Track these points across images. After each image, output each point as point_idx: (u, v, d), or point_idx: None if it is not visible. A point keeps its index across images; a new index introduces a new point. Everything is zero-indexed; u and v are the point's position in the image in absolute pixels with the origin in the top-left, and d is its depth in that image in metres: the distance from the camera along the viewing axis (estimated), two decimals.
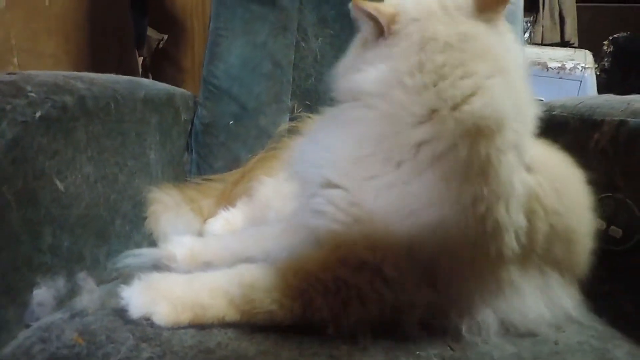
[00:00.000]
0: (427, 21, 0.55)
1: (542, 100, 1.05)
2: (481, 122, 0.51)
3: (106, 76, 0.80)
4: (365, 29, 0.59)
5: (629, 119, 0.68)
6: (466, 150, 0.50)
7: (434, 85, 0.53)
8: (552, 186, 0.57)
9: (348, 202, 0.55)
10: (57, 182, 0.60)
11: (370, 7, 0.55)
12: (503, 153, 0.52)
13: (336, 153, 0.58)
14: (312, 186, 0.60)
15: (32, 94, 0.59)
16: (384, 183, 0.53)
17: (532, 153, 0.57)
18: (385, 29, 0.56)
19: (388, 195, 0.53)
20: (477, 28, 0.55)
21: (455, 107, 0.52)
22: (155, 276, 0.53)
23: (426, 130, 0.52)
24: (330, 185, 0.57)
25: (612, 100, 0.78)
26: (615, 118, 0.70)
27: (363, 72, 0.57)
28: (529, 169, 0.56)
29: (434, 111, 0.53)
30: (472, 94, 0.52)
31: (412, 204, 0.52)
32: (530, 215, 0.54)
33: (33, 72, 0.67)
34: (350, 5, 0.57)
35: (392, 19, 0.55)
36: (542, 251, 0.56)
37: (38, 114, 0.58)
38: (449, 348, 0.51)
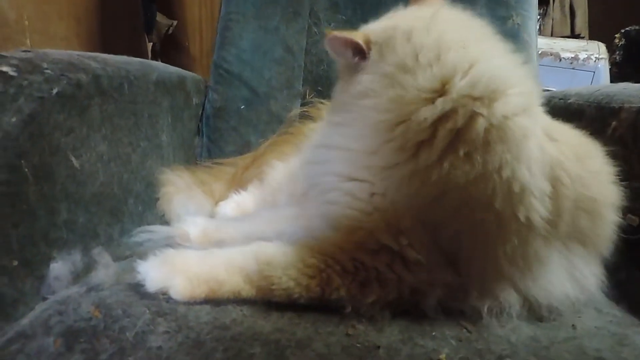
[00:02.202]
0: (400, 25, 0.58)
1: (550, 90, 1.05)
2: (490, 85, 0.51)
3: (119, 57, 0.80)
4: (346, 59, 0.60)
5: None
6: (483, 117, 0.50)
7: (438, 60, 0.53)
8: (575, 154, 0.56)
9: (368, 193, 0.55)
10: (73, 159, 0.60)
11: (345, 35, 0.58)
12: (516, 115, 0.51)
13: (353, 149, 0.57)
14: (326, 188, 0.59)
15: (48, 71, 0.59)
16: (406, 172, 0.52)
17: (551, 124, 0.57)
18: (365, 47, 0.58)
19: (411, 183, 0.52)
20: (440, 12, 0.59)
21: (464, 75, 0.52)
22: (171, 252, 0.53)
23: (442, 104, 0.51)
24: (350, 179, 0.56)
25: (630, 88, 0.77)
26: (634, 105, 0.69)
27: (361, 82, 0.58)
28: (550, 137, 0.55)
29: (444, 84, 0.52)
30: (474, 62, 0.53)
31: (436, 188, 0.51)
32: (554, 182, 0.53)
33: (47, 50, 0.66)
34: (325, 41, 0.59)
35: (367, 38, 0.58)
36: (568, 222, 0.55)
37: (55, 91, 0.57)
38: (465, 330, 0.50)
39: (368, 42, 0.58)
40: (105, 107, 0.68)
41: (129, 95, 0.75)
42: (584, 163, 0.57)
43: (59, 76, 0.60)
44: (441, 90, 0.52)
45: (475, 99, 0.51)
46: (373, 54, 0.58)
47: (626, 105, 0.71)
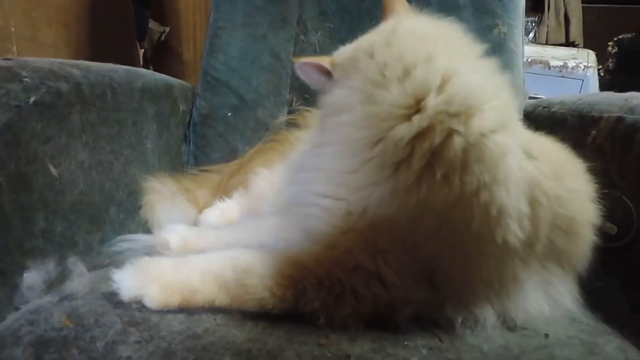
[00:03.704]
0: (361, 43, 0.61)
1: (540, 97, 1.05)
2: (466, 101, 0.51)
3: (104, 65, 0.80)
4: (316, 82, 0.62)
5: (626, 116, 0.67)
6: (460, 135, 0.49)
7: (407, 75, 0.53)
8: (553, 172, 0.56)
9: (345, 212, 0.54)
10: (51, 168, 0.60)
11: (312, 59, 0.62)
12: (494, 132, 0.51)
13: (329, 168, 0.57)
14: (305, 204, 0.59)
15: (27, 79, 0.59)
16: (385, 191, 0.52)
17: (530, 141, 0.57)
18: (329, 67, 0.60)
19: (390, 204, 0.51)
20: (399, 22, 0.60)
21: (438, 91, 0.51)
22: (147, 260, 0.53)
23: (418, 121, 0.51)
24: (327, 196, 0.56)
25: (611, 97, 0.77)
26: (613, 115, 0.70)
27: (333, 95, 0.59)
28: (528, 154, 0.55)
29: (419, 100, 0.52)
30: (448, 77, 0.52)
31: (416, 210, 0.50)
32: (532, 202, 0.53)
33: (29, 58, 0.67)
34: (295, 67, 0.62)
35: (332, 61, 0.61)
36: (545, 242, 0.55)
37: (32, 99, 0.58)
38: (437, 339, 0.50)
39: (333, 64, 0.60)
40: (86, 115, 0.68)
41: (113, 103, 0.75)
42: (562, 181, 0.57)
43: (38, 84, 0.60)
44: (416, 107, 0.52)
45: (451, 115, 0.50)
46: (337, 73, 0.59)
47: (605, 115, 0.71)
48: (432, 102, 0.51)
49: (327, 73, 0.60)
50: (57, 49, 1.11)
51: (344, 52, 0.62)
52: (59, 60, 0.71)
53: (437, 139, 0.50)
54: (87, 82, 0.69)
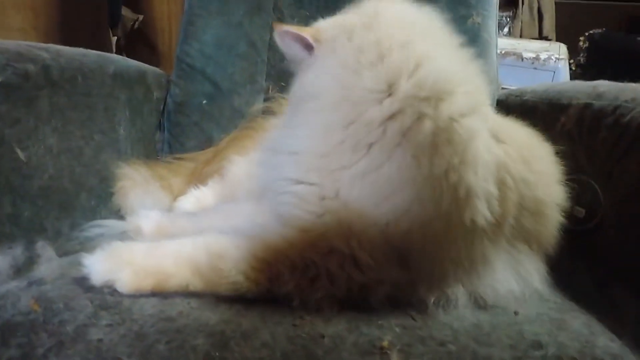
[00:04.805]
0: (343, 22, 0.60)
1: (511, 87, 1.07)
2: (436, 86, 0.52)
3: (74, 49, 0.78)
4: (295, 54, 0.61)
5: (593, 102, 0.69)
6: (430, 119, 0.50)
7: (381, 60, 0.54)
8: (520, 156, 0.57)
9: (318, 197, 0.55)
10: (18, 151, 0.59)
11: (295, 29, 0.60)
12: (463, 116, 0.52)
13: (302, 151, 0.57)
14: (278, 191, 0.59)
15: None
16: (357, 172, 0.53)
17: (499, 125, 0.58)
18: (312, 41, 0.59)
19: (362, 184, 0.52)
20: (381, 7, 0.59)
21: (410, 76, 0.52)
22: (119, 244, 0.53)
23: (389, 104, 0.52)
24: (299, 182, 0.56)
25: (579, 85, 0.79)
26: (581, 101, 0.72)
27: (308, 77, 0.59)
28: (496, 138, 0.56)
29: (391, 85, 0.53)
30: (420, 62, 0.53)
31: (387, 188, 0.52)
32: (500, 185, 0.54)
33: None
34: (275, 34, 0.61)
35: (316, 35, 0.59)
36: (513, 223, 0.56)
37: None
38: (410, 318, 0.51)
39: (316, 39, 0.58)
40: (55, 98, 0.66)
41: (83, 87, 0.73)
42: (530, 164, 0.58)
43: (4, 65, 0.59)
44: (388, 91, 0.53)
45: (422, 99, 0.52)
46: (318, 51, 0.58)
47: (574, 102, 0.73)
48: (404, 86, 0.52)
49: (309, 47, 0.59)
50: (25, 34, 1.08)
51: (326, 27, 0.60)
52: (27, 42, 0.69)
53: (408, 121, 0.51)
54: (56, 65, 0.67)
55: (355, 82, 0.54)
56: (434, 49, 0.56)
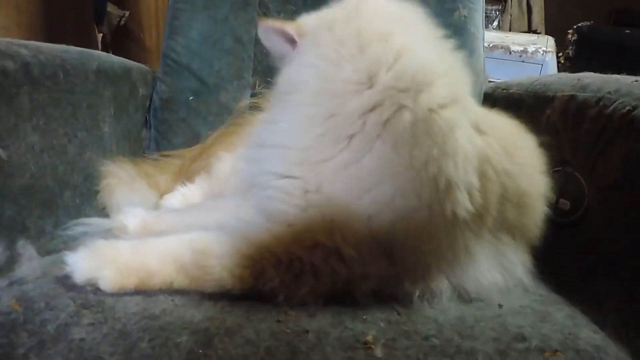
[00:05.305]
0: (325, 16, 0.60)
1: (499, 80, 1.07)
2: (416, 77, 0.52)
3: (56, 45, 0.77)
4: (278, 48, 0.61)
5: (577, 94, 0.70)
6: (409, 110, 0.51)
7: (361, 52, 0.54)
8: (502, 147, 0.57)
9: (302, 190, 0.54)
10: None
11: (277, 24, 0.60)
12: (443, 107, 0.52)
13: (285, 145, 0.57)
14: (262, 186, 0.59)
15: None
16: (339, 164, 0.53)
17: (481, 116, 0.58)
18: (295, 35, 0.59)
19: (344, 176, 0.53)
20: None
21: (389, 68, 0.53)
22: (102, 242, 0.52)
23: (369, 96, 0.52)
24: (283, 176, 0.56)
25: (564, 77, 0.79)
26: (566, 93, 0.72)
27: (290, 71, 0.59)
28: (478, 129, 0.56)
29: (371, 77, 0.53)
30: (399, 54, 0.54)
31: (369, 180, 0.52)
32: (481, 176, 0.54)
33: None
34: (259, 30, 0.61)
35: (299, 29, 0.60)
36: (496, 215, 0.56)
37: None
38: (395, 313, 0.51)
39: (299, 33, 0.58)
40: (36, 96, 0.66)
41: (65, 84, 0.72)
42: (512, 156, 0.58)
43: None
44: (369, 83, 0.53)
45: (401, 90, 0.52)
46: (301, 45, 0.58)
47: (559, 94, 0.73)
48: (383, 78, 0.52)
49: (292, 41, 0.59)
50: (8, 31, 1.06)
51: (309, 22, 0.61)
52: (6, 39, 0.68)
53: (387, 112, 0.51)
54: (36, 62, 0.66)
55: (335, 74, 0.54)
56: (414, 41, 0.56)
